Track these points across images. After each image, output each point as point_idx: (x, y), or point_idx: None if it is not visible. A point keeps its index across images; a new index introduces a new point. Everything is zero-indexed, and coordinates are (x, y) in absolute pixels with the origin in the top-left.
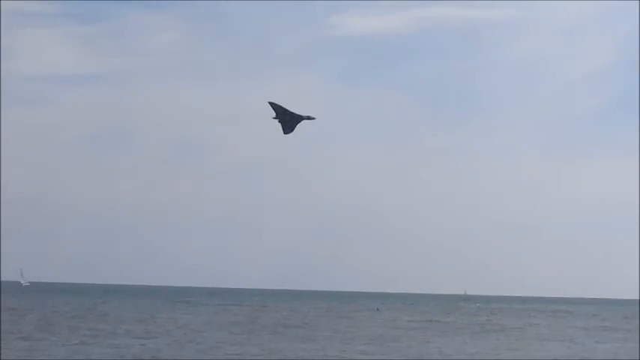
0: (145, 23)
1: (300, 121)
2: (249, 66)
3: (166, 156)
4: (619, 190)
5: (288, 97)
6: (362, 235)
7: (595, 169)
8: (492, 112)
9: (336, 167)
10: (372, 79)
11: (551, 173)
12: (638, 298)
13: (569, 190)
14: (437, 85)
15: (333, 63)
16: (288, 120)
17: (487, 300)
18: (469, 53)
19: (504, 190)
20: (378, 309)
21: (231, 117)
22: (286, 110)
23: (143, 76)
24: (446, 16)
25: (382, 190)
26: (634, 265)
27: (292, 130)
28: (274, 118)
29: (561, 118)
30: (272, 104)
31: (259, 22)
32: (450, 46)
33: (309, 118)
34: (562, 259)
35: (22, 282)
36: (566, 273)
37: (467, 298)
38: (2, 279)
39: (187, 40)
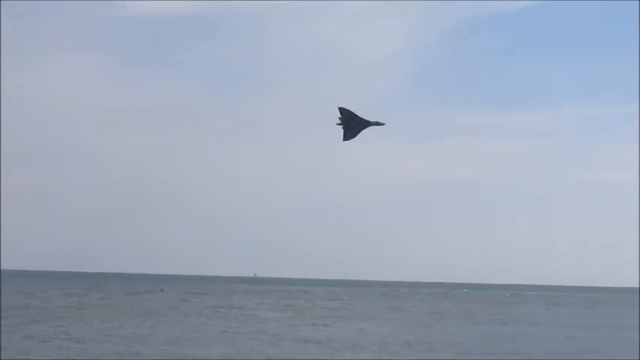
0: None
1: (367, 127)
2: (33, 47)
3: None
4: (410, 172)
5: (73, 78)
6: (152, 216)
7: (385, 151)
8: (284, 94)
9: (123, 149)
10: (159, 60)
11: (342, 155)
12: (437, 280)
13: (360, 172)
14: (226, 67)
15: (119, 44)
16: (355, 125)
17: (276, 282)
18: (261, 37)
19: (294, 172)
20: (162, 290)
21: (18, 99)
22: (355, 115)
23: None
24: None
25: (170, 171)
26: (425, 247)
27: (354, 136)
28: (338, 124)
29: (354, 100)
30: (341, 109)
31: (43, 2)
32: (241, 30)
33: (377, 123)
34: (352, 241)
35: None
36: (358, 254)
37: (256, 281)
38: None
39: None
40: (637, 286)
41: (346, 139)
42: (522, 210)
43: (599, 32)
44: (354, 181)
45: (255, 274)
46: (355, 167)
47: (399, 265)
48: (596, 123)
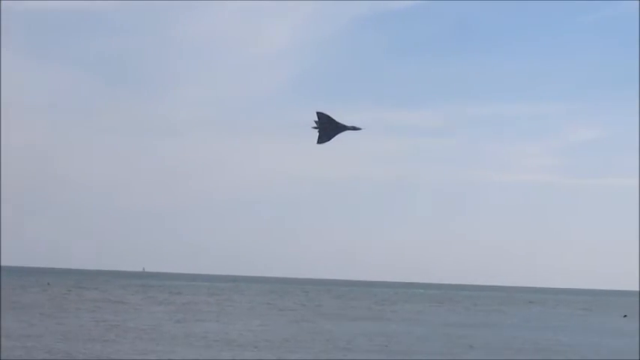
0: None
1: (343, 131)
2: None
3: None
4: (301, 170)
5: None
6: (43, 209)
7: (270, 148)
8: (179, 90)
9: (15, 143)
10: (53, 55)
11: (229, 151)
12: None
13: (251, 170)
14: (115, 61)
15: (12, 38)
16: (331, 129)
17: (164, 277)
18: (149, 30)
19: (185, 167)
20: (48, 283)
21: None
22: (333, 120)
23: None
24: None
25: (62, 165)
26: (315, 245)
27: (329, 139)
28: (314, 127)
29: (240, 97)
30: (319, 113)
31: None
32: (135, 25)
33: (354, 128)
34: (242, 237)
35: None
36: (246, 251)
37: (144, 275)
38: None
39: None
40: (525, 284)
41: (320, 142)
42: (415, 207)
43: (487, 32)
44: (245, 179)
45: (144, 269)
46: (246, 165)
47: (288, 262)
48: (487, 122)
